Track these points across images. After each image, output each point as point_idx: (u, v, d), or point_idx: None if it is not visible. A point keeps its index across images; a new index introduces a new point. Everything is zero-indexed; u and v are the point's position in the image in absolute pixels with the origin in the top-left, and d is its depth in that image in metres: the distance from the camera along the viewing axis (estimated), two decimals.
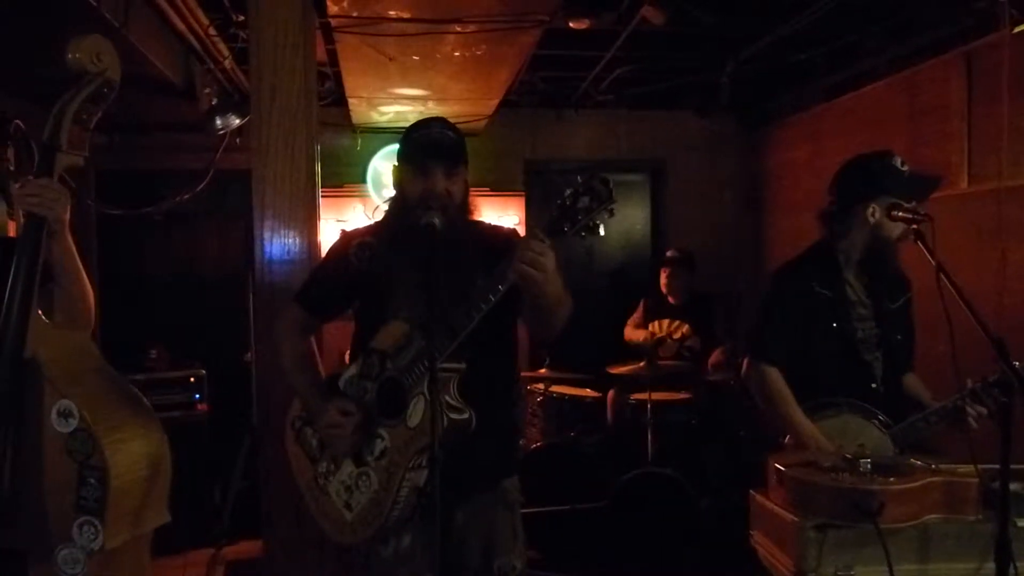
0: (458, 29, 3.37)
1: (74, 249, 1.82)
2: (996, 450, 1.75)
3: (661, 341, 4.79)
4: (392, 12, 3.22)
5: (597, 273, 6.01)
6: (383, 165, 5.37)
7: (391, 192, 2.11)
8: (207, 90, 4.25)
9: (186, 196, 4.41)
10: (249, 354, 3.93)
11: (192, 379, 4.55)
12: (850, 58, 4.43)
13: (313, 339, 2.22)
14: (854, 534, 1.78)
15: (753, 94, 5.40)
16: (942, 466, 1.89)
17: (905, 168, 2.34)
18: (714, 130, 5.82)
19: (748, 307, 4.76)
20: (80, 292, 1.85)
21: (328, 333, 2.65)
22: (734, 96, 4.92)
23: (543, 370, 4.62)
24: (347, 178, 5.47)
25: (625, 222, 6.14)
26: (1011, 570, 1.71)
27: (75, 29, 1.82)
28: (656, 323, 4.85)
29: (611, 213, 1.69)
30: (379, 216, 2.13)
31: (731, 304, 5.10)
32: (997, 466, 1.75)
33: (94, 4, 2.74)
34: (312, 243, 2.96)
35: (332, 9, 3.18)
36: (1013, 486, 1.74)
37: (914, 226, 2.20)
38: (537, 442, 4.38)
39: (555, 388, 4.61)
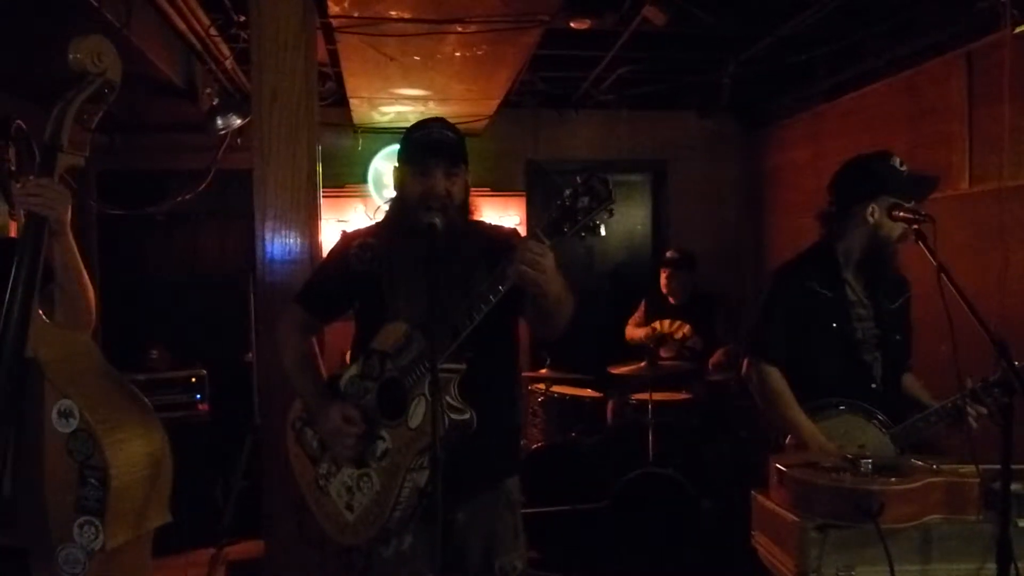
0: (459, 29, 3.36)
1: (75, 249, 1.82)
2: (997, 450, 1.75)
3: (663, 337, 4.78)
4: (393, 12, 3.22)
5: (598, 273, 6.01)
6: (384, 165, 5.36)
7: (392, 192, 2.11)
8: (208, 90, 4.26)
9: (187, 196, 4.40)
10: (250, 354, 3.93)
11: (193, 379, 4.56)
12: (851, 58, 4.42)
13: (314, 339, 2.22)
14: (855, 534, 1.78)
15: (754, 94, 5.39)
16: (943, 466, 1.88)
17: (904, 168, 2.34)
18: (715, 130, 5.81)
19: (749, 307, 4.76)
20: (81, 292, 1.85)
21: (329, 333, 2.65)
22: (735, 96, 4.92)
23: (544, 370, 4.61)
24: (348, 178, 5.47)
25: (626, 222, 6.13)
26: (1012, 570, 1.71)
27: (76, 29, 1.83)
28: (658, 322, 4.84)
29: (611, 213, 1.68)
30: (380, 216, 2.14)
31: (732, 304, 5.09)
32: (998, 466, 1.75)
33: (95, 4, 2.74)
34: (313, 243, 2.96)
35: (333, 9, 3.18)
36: (1014, 486, 1.74)
37: (915, 226, 2.20)
38: (538, 442, 4.38)
39: (556, 388, 4.60)
